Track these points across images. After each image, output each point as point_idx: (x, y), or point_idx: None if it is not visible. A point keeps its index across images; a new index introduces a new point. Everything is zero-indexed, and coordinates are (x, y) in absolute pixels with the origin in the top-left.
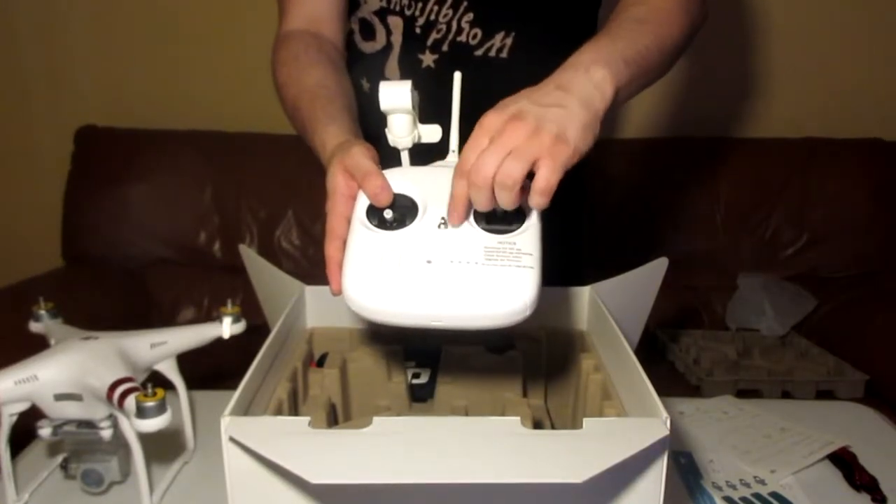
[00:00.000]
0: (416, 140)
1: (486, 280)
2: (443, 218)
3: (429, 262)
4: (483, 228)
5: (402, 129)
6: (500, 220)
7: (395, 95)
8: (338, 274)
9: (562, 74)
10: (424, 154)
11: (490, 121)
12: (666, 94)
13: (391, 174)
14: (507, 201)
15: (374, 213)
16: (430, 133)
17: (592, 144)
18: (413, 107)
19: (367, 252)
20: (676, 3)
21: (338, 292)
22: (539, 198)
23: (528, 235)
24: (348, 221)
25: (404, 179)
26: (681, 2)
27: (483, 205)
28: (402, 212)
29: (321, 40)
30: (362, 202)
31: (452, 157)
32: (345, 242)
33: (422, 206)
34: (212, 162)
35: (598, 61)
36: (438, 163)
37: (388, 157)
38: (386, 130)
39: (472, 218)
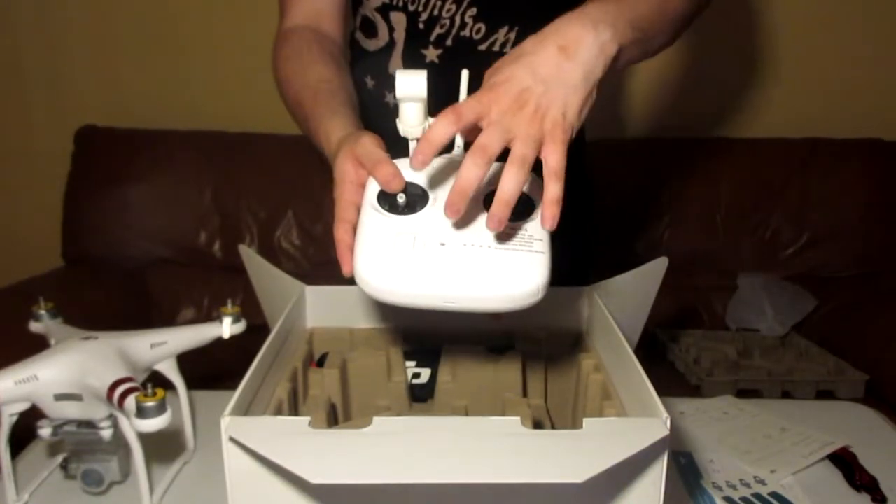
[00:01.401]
0: (426, 130)
1: (499, 263)
2: None
3: (442, 244)
4: None
5: (414, 119)
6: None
7: (411, 84)
8: (348, 256)
9: (568, 29)
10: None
11: (498, 95)
12: (666, 94)
13: (401, 163)
14: (512, 183)
15: (384, 199)
16: None
17: (587, 114)
18: (426, 97)
19: (379, 234)
20: None
21: (349, 274)
22: (556, 184)
23: (538, 223)
24: (357, 208)
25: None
26: None
27: (469, 181)
28: (412, 198)
29: (322, 37)
30: (372, 189)
31: (458, 151)
32: (354, 227)
33: (432, 193)
34: (212, 162)
35: (606, 20)
36: (444, 155)
37: (393, 153)
38: (397, 120)
39: (483, 205)
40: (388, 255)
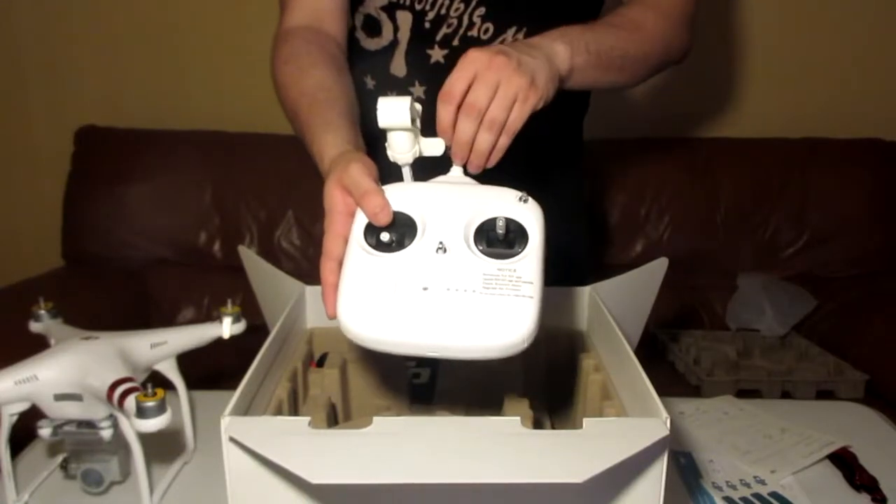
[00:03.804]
0: (416, 155)
1: (484, 310)
2: (441, 242)
3: (425, 289)
4: (483, 252)
5: (403, 146)
6: (500, 243)
7: (394, 112)
8: (333, 298)
9: (529, 40)
10: (428, 162)
11: (476, 55)
12: (665, 94)
13: (391, 191)
14: (486, 143)
15: (371, 234)
16: (433, 146)
17: (552, 97)
18: (413, 122)
19: (362, 277)
20: (655, 25)
21: (332, 317)
22: (504, 138)
23: (529, 261)
24: (345, 241)
25: (404, 197)
26: (662, 27)
27: (467, 136)
28: (400, 232)
29: (323, 37)
30: (360, 220)
31: (455, 170)
32: (340, 263)
33: (420, 226)
34: (212, 162)
35: (562, 39)
36: (440, 178)
37: (390, 165)
38: (386, 145)
39: (471, 241)
40: (370, 301)
